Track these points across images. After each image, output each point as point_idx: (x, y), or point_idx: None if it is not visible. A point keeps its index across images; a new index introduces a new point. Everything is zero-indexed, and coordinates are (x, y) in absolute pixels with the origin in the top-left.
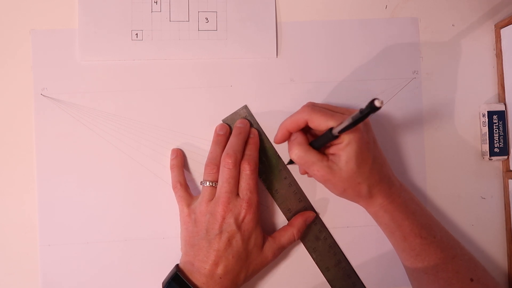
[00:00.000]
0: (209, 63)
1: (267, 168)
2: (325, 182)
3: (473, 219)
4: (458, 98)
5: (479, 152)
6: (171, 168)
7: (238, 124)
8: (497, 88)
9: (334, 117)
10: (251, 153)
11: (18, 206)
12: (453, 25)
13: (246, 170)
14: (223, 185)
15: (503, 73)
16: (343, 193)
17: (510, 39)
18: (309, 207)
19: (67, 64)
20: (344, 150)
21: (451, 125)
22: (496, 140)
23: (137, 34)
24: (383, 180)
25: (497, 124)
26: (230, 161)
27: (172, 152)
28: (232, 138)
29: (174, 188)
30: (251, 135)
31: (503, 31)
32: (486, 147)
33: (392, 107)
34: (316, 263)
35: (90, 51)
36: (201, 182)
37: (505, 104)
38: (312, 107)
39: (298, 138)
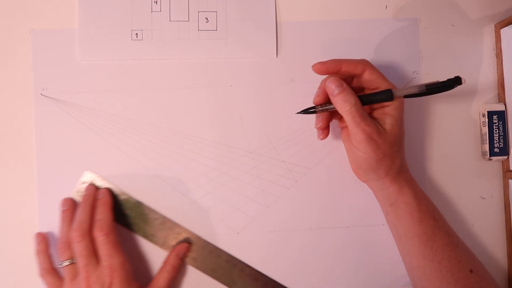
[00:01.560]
0: (209, 63)
1: (134, 218)
2: (369, 141)
3: (473, 219)
4: (458, 98)
5: (479, 152)
6: (37, 254)
7: (82, 193)
8: (497, 88)
9: (389, 82)
10: (102, 216)
11: (18, 206)
12: (453, 25)
13: (99, 236)
14: (79, 260)
15: (503, 73)
16: (380, 160)
17: (510, 39)
18: (190, 236)
19: (67, 64)
20: (391, 114)
21: (451, 125)
22: (496, 140)
23: (137, 34)
24: (404, 157)
25: (497, 124)
26: (77, 235)
27: (37, 237)
28: (77, 210)
29: (41, 276)
30: (100, 196)
31: (503, 31)
32: (486, 147)
33: None
34: (220, 282)
35: (90, 51)
36: (59, 265)
37: (505, 104)
38: (371, 63)
39: (348, 88)
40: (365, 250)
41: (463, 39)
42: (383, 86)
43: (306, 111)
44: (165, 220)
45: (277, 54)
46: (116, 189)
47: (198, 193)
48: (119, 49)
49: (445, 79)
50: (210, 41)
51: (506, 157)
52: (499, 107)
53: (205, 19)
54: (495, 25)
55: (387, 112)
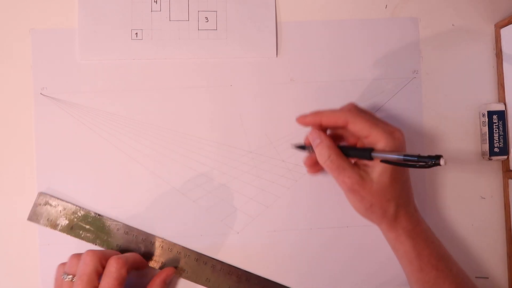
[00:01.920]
0: (209, 62)
1: (96, 231)
2: (352, 192)
3: (473, 219)
4: (458, 98)
5: (479, 152)
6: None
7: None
8: (497, 88)
9: (378, 127)
10: (130, 256)
11: (18, 205)
12: (453, 25)
13: (112, 266)
14: (77, 282)
15: (503, 73)
16: (369, 209)
17: (510, 39)
18: (154, 240)
19: (67, 63)
20: (381, 162)
21: (451, 125)
22: (496, 140)
23: (137, 33)
24: (410, 203)
25: (497, 124)
26: (88, 255)
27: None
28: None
29: (58, 266)
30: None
31: (503, 31)
32: (486, 147)
33: (392, 107)
34: (192, 281)
35: (90, 50)
36: (62, 275)
37: (505, 104)
38: (357, 109)
39: (328, 140)
40: (366, 249)
41: (463, 39)
42: (372, 135)
43: (300, 147)
44: (128, 229)
45: (277, 54)
46: (72, 206)
47: (198, 193)
48: (119, 49)
49: (426, 156)
50: (210, 41)
51: (506, 157)
52: (499, 107)
53: (205, 19)
54: (495, 25)
55: (376, 163)
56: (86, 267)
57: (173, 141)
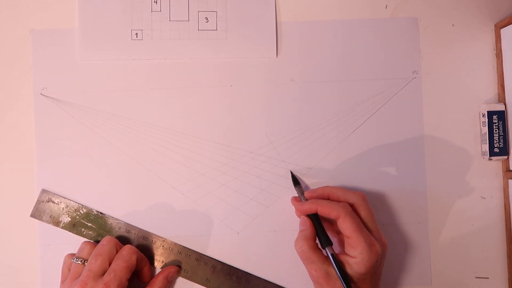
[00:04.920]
0: (209, 63)
1: (98, 229)
2: (317, 284)
3: (473, 219)
4: (458, 98)
5: (479, 152)
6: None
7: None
8: (497, 88)
9: (361, 235)
10: (141, 254)
11: (18, 206)
12: (453, 25)
13: (124, 250)
14: (90, 261)
15: (503, 73)
16: None
17: (510, 39)
18: (156, 239)
19: (67, 63)
20: (351, 263)
21: (451, 125)
22: (496, 140)
23: (137, 33)
24: None
25: (497, 124)
26: (107, 238)
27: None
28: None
29: (66, 256)
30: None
31: (503, 31)
32: (486, 147)
33: (392, 107)
34: (193, 281)
35: (90, 50)
36: (73, 259)
37: (505, 104)
38: (350, 210)
39: (307, 231)
40: None
41: (463, 39)
42: (353, 238)
43: (294, 181)
44: (130, 228)
45: (277, 54)
46: (75, 204)
47: (198, 193)
48: (119, 49)
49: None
50: (210, 41)
51: (506, 157)
52: (499, 107)
53: (205, 19)
54: (495, 25)
55: (347, 261)
56: (104, 247)
57: (173, 141)
